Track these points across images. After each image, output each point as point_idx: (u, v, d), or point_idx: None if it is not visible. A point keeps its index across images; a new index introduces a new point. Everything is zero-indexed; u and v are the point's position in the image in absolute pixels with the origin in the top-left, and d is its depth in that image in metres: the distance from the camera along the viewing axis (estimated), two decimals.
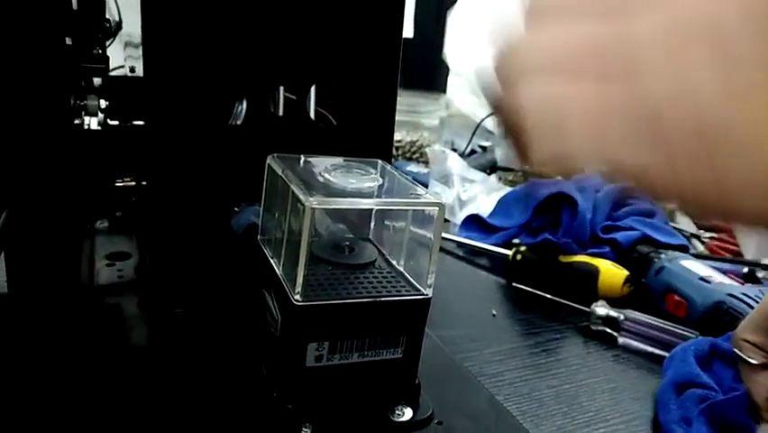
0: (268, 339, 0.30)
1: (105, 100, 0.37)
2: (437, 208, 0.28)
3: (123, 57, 0.55)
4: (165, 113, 0.36)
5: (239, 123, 0.42)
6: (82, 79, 0.35)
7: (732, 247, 0.74)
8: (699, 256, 0.67)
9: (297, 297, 0.27)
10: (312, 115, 0.40)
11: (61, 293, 0.30)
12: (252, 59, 0.38)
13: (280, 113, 0.38)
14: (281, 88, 0.38)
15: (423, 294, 0.29)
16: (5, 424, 0.28)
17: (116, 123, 0.43)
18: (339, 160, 0.31)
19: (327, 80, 0.40)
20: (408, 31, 1.24)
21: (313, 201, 0.25)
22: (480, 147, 1.12)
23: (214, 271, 0.38)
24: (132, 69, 0.49)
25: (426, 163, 0.90)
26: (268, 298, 0.30)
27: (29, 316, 0.30)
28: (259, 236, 0.33)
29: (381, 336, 0.28)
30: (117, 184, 0.45)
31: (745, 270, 0.64)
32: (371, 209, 0.32)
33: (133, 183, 0.47)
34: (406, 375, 0.30)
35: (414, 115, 1.04)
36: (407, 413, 0.30)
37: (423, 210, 0.29)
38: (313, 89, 0.40)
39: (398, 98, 1.10)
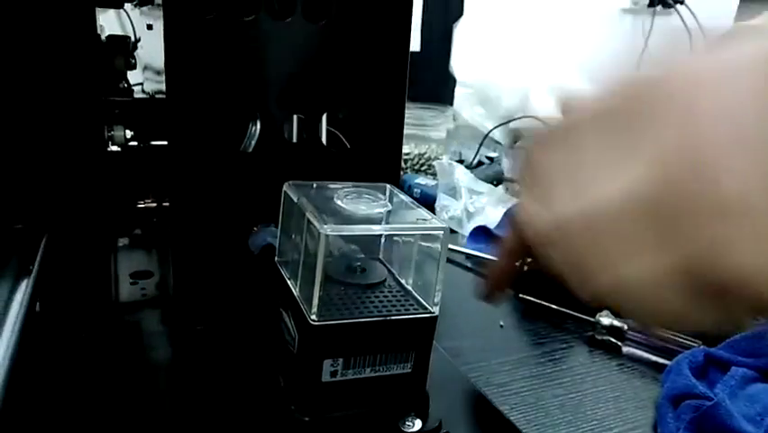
0: (285, 355, 0.32)
1: (130, 129, 0.39)
2: (442, 232, 0.30)
3: (141, 77, 0.58)
4: (187, 139, 0.38)
5: (253, 143, 0.44)
6: (110, 111, 0.38)
7: None
8: None
9: (313, 317, 0.29)
10: (324, 137, 0.43)
11: (94, 310, 0.32)
12: (267, 89, 0.41)
13: (294, 140, 0.41)
14: (294, 117, 0.40)
15: (430, 312, 0.31)
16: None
17: (135, 144, 0.46)
18: (349, 185, 0.33)
19: (338, 106, 0.42)
20: (415, 44, 1.26)
21: (327, 228, 0.28)
22: (488, 158, 1.13)
23: (233, 289, 0.40)
24: (151, 93, 0.52)
25: (434, 176, 0.92)
26: (285, 316, 0.32)
27: (61, 331, 0.32)
28: (276, 258, 0.35)
29: (392, 352, 0.30)
30: (139, 205, 0.48)
31: None
32: (381, 234, 0.34)
33: (154, 204, 0.49)
34: (416, 388, 0.32)
35: (421, 129, 1.05)
36: (417, 424, 0.32)
37: (429, 234, 0.31)
38: (324, 115, 0.42)
39: (406, 111, 1.11)
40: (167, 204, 0.45)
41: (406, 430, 0.31)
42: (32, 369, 0.25)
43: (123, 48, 0.41)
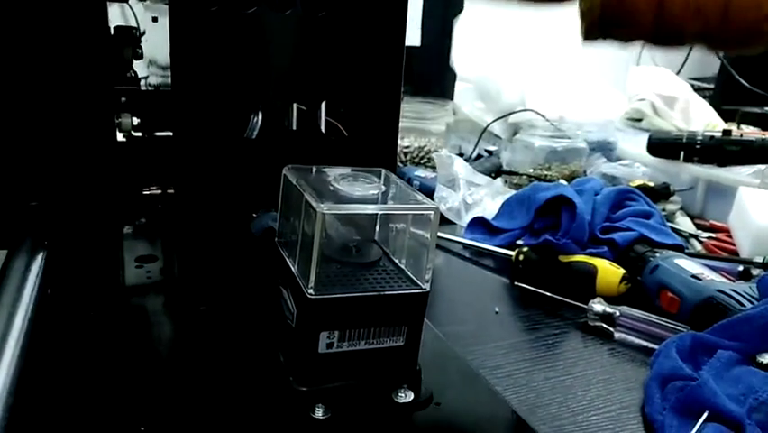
0: (284, 329, 0.34)
1: (137, 117, 0.41)
2: (432, 212, 0.32)
3: (146, 71, 0.59)
4: (191, 128, 0.40)
5: (255, 133, 0.45)
6: (118, 99, 0.39)
7: (728, 246, 0.76)
8: (695, 255, 0.70)
9: (311, 291, 0.31)
10: (323, 126, 0.44)
11: (104, 292, 0.33)
12: (268, 80, 0.42)
13: (294, 127, 0.42)
14: (294, 105, 0.42)
15: (421, 288, 0.33)
16: (48, 411, 0.31)
17: (140, 134, 0.47)
18: (347, 169, 0.35)
19: (336, 96, 0.44)
20: (416, 39, 1.27)
21: (324, 207, 0.29)
22: (487, 151, 1.15)
23: (235, 270, 0.42)
24: (156, 86, 0.53)
25: (434, 168, 0.93)
26: (284, 293, 0.34)
27: (73, 312, 0.34)
28: (276, 238, 0.37)
29: (385, 326, 0.32)
30: (144, 192, 0.49)
31: (741, 268, 0.67)
32: (376, 214, 0.35)
33: (159, 192, 0.51)
34: (408, 361, 0.33)
35: (421, 122, 1.07)
36: (409, 395, 0.34)
37: (421, 214, 0.32)
38: (323, 104, 0.43)
39: (406, 105, 1.13)
40: (171, 191, 0.47)
41: (398, 401, 0.33)
42: (45, 345, 0.26)
43: (130, 38, 0.42)
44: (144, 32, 0.51)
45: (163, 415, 0.32)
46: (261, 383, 0.34)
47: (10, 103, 0.31)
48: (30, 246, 0.29)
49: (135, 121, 0.40)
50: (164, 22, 0.46)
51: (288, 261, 0.34)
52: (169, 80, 0.46)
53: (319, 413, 0.32)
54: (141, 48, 0.45)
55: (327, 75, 0.43)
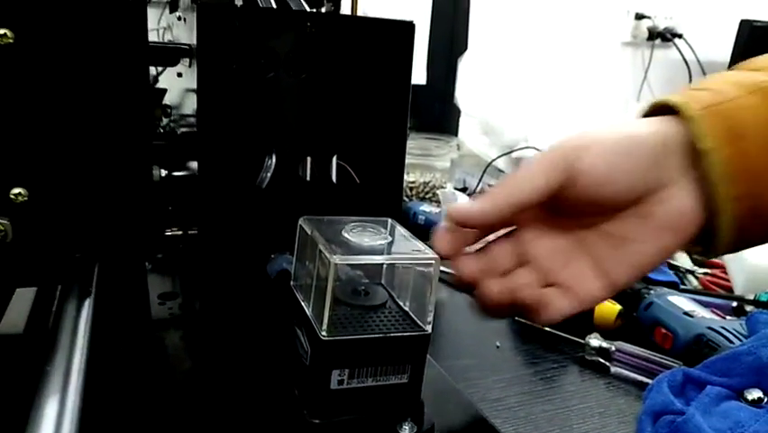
0: (299, 367, 0.37)
1: (164, 168, 0.45)
2: (433, 261, 0.35)
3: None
4: (215, 175, 0.44)
5: (269, 175, 0.49)
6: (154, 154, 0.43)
7: (724, 283, 0.79)
8: (690, 291, 0.73)
9: (324, 333, 0.34)
10: (334, 176, 0.48)
11: (138, 328, 0.37)
12: (282, 131, 0.46)
13: (308, 177, 0.46)
14: (308, 158, 0.46)
15: (424, 330, 0.36)
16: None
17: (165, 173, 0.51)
18: (356, 220, 0.38)
19: (345, 147, 0.48)
20: (422, 78, 1.32)
21: (336, 258, 0.33)
22: (491, 186, 1.18)
23: (252, 309, 0.46)
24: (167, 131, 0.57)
25: (439, 203, 0.96)
26: (299, 333, 0.37)
27: (114, 348, 0.37)
28: (292, 282, 0.40)
29: (391, 365, 0.35)
30: (167, 233, 0.53)
31: (734, 304, 0.70)
32: (383, 263, 0.39)
33: (180, 232, 0.54)
34: (412, 396, 0.36)
35: (426, 158, 1.11)
36: (413, 428, 0.37)
37: (422, 263, 0.36)
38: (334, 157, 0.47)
39: (412, 141, 1.16)
40: (192, 232, 0.51)
41: None
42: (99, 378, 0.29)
43: (161, 98, 0.47)
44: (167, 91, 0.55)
45: None
46: (278, 416, 0.37)
47: (65, 168, 0.35)
48: (78, 292, 0.32)
49: (164, 172, 0.44)
50: (186, 75, 0.51)
51: (302, 304, 0.37)
52: (186, 128, 0.50)
53: None
54: (170, 108, 0.49)
55: (337, 127, 0.47)
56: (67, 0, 0.34)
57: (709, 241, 0.35)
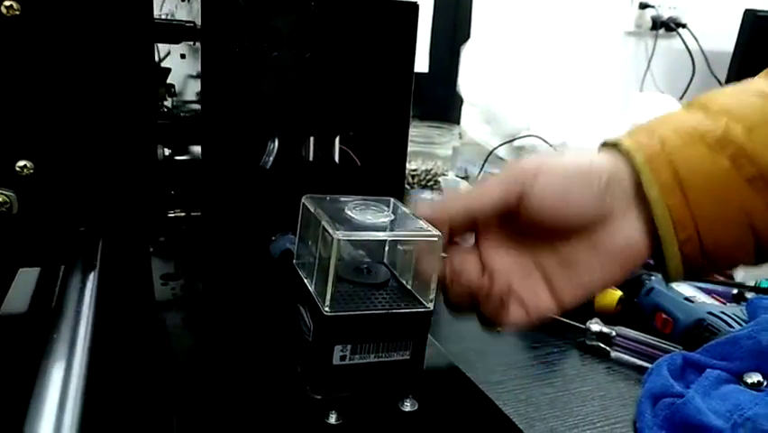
0: (302, 344, 0.37)
1: (167, 147, 0.45)
2: (436, 239, 0.35)
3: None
4: (218, 157, 0.44)
5: (271, 158, 0.49)
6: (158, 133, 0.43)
7: (724, 270, 0.79)
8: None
9: (327, 309, 0.34)
10: (336, 157, 0.48)
11: (141, 307, 0.37)
12: (286, 112, 0.46)
13: (310, 158, 0.46)
14: (311, 138, 0.46)
15: (426, 307, 0.36)
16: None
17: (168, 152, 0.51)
18: (359, 198, 0.39)
19: (348, 128, 0.48)
20: (424, 66, 1.32)
21: (339, 234, 0.33)
22: (492, 174, 1.18)
23: (256, 288, 0.46)
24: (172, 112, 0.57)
25: (440, 191, 0.97)
26: (302, 310, 0.37)
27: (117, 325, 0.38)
28: (294, 260, 0.40)
29: (393, 341, 0.36)
30: (169, 215, 0.53)
31: (735, 291, 0.70)
32: (385, 240, 0.39)
33: (183, 214, 0.54)
34: (413, 373, 0.37)
35: (429, 146, 1.11)
36: (414, 404, 0.37)
37: (425, 241, 0.36)
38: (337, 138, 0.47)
39: (414, 129, 1.16)
40: (195, 214, 0.51)
41: (404, 409, 0.36)
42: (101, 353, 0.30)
43: (165, 77, 0.47)
44: (170, 70, 0.55)
45: (192, 416, 0.36)
46: (281, 392, 0.37)
47: (70, 143, 0.35)
48: (82, 266, 0.33)
49: (167, 152, 0.44)
50: (191, 60, 0.51)
51: (305, 281, 0.38)
52: (188, 110, 0.50)
53: (333, 419, 0.35)
54: (174, 87, 0.49)
55: (341, 107, 0.47)
56: None
57: (661, 269, 0.38)
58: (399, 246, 0.39)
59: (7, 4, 0.31)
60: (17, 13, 0.31)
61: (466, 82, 1.32)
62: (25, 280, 0.51)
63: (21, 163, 0.34)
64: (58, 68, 0.35)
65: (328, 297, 0.34)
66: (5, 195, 0.33)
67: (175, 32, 0.42)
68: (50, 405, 0.20)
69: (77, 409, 0.21)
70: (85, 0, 0.34)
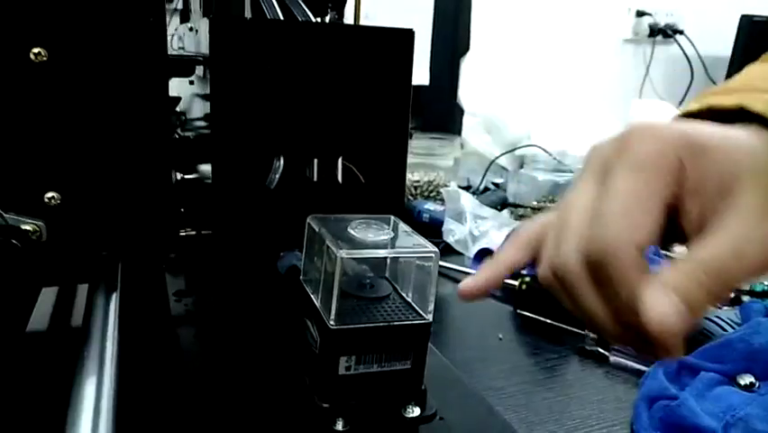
0: (309, 355, 0.40)
1: (179, 172, 0.48)
2: (433, 255, 0.38)
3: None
4: (228, 181, 0.46)
5: (277, 177, 0.51)
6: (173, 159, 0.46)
7: None
8: None
9: (332, 322, 0.36)
10: (339, 176, 0.51)
11: (158, 323, 0.40)
12: (291, 134, 0.49)
13: (315, 178, 0.49)
14: (315, 160, 0.49)
15: (425, 319, 0.39)
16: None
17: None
18: (361, 217, 0.41)
19: (350, 151, 0.50)
20: (424, 78, 1.34)
21: (342, 252, 0.35)
22: (494, 184, 1.20)
23: (264, 303, 0.48)
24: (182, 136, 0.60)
25: (443, 201, 0.99)
26: (308, 323, 0.40)
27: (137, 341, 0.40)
28: (301, 277, 0.43)
29: (394, 352, 0.38)
30: (181, 234, 0.55)
31: (732, 294, 0.71)
32: (386, 257, 0.41)
33: (194, 233, 0.57)
34: (415, 381, 0.39)
35: (430, 157, 1.13)
36: (416, 411, 0.39)
37: (423, 256, 0.38)
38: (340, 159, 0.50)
39: (416, 141, 1.19)
40: (206, 232, 0.54)
41: (406, 416, 0.39)
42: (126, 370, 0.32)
43: (175, 106, 0.50)
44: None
45: (206, 423, 0.38)
46: (290, 402, 0.40)
47: (93, 174, 0.38)
48: (105, 287, 0.35)
49: (179, 176, 0.47)
50: (200, 84, 0.53)
51: (311, 296, 0.40)
52: (193, 128, 0.53)
53: (339, 426, 0.37)
54: (184, 114, 0.52)
55: (342, 129, 0.50)
56: (94, 20, 0.36)
57: None
58: (399, 263, 0.42)
59: (36, 50, 0.34)
60: (45, 59, 0.34)
61: (466, 93, 1.35)
62: (44, 297, 0.54)
63: (49, 195, 0.37)
64: (81, 106, 0.38)
65: (333, 311, 0.36)
66: (36, 224, 0.36)
67: (187, 65, 0.44)
68: (86, 415, 0.23)
69: (111, 419, 0.23)
70: (105, 43, 0.37)
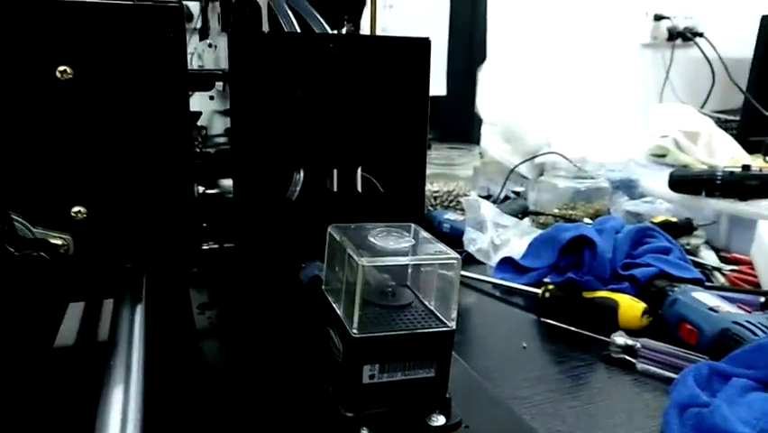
0: (332, 365, 0.40)
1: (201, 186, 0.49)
2: (455, 261, 0.37)
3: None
4: (250, 194, 0.47)
5: (298, 189, 0.52)
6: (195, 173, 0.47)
7: (751, 279, 0.79)
8: (716, 288, 0.73)
9: (355, 331, 0.36)
10: (359, 186, 0.51)
11: (183, 335, 0.40)
12: (310, 146, 0.49)
13: (335, 189, 0.49)
14: (335, 171, 0.49)
15: (448, 327, 0.38)
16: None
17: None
18: (381, 225, 0.41)
19: (369, 162, 0.51)
20: (442, 89, 1.34)
21: (363, 260, 0.35)
22: (514, 192, 1.19)
23: (287, 313, 0.48)
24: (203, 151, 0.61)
25: (463, 211, 0.98)
26: (331, 333, 0.40)
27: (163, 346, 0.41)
28: (323, 286, 0.43)
29: (418, 360, 0.38)
30: (204, 247, 0.56)
31: (762, 299, 0.70)
32: (407, 264, 0.41)
33: (216, 246, 0.57)
34: (439, 390, 0.39)
35: (450, 167, 1.13)
36: (441, 420, 0.39)
37: (445, 263, 0.38)
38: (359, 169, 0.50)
39: (434, 152, 1.19)
40: (228, 245, 0.54)
41: (431, 424, 0.38)
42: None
43: (196, 120, 0.51)
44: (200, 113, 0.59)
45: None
46: (315, 411, 0.40)
47: (118, 189, 0.39)
48: (131, 299, 0.36)
49: (201, 189, 0.48)
50: (220, 100, 0.54)
51: (334, 305, 0.40)
52: (214, 144, 0.53)
53: None
54: (205, 129, 0.53)
55: (361, 141, 0.50)
56: (117, 39, 0.38)
57: None
58: (421, 271, 0.41)
59: (61, 68, 0.35)
60: (71, 76, 0.35)
61: (484, 102, 1.34)
62: (70, 313, 0.55)
63: (75, 209, 0.38)
64: (105, 122, 0.39)
65: (356, 320, 0.36)
66: (63, 238, 0.37)
67: (206, 79, 0.45)
68: (114, 424, 0.23)
69: (138, 429, 0.23)
70: (128, 60, 0.38)
